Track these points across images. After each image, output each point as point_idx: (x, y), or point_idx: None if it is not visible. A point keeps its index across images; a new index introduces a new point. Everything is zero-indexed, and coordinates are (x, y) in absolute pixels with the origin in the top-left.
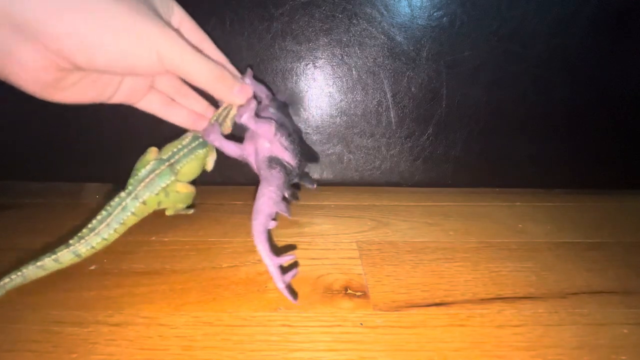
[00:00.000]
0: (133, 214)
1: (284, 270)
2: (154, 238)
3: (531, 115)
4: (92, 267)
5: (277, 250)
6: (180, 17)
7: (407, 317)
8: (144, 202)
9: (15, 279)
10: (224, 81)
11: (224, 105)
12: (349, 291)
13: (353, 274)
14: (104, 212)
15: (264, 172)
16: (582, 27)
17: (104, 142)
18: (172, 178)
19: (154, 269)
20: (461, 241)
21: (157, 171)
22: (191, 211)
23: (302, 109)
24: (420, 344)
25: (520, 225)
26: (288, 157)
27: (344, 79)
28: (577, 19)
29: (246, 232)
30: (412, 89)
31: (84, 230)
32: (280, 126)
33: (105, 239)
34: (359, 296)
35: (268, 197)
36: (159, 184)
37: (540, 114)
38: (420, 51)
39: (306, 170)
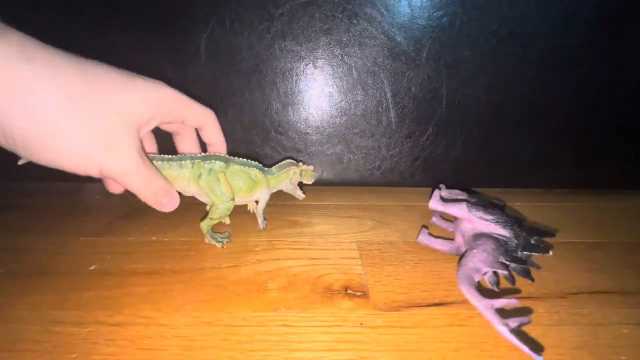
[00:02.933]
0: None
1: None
2: (154, 238)
3: (531, 115)
4: (92, 267)
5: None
6: (180, 111)
7: (407, 317)
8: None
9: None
10: (156, 198)
11: (292, 171)
12: (349, 291)
13: (353, 274)
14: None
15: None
16: (582, 27)
17: None
18: (223, 165)
19: (154, 269)
20: None
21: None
22: (227, 222)
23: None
24: (420, 344)
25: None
26: (496, 229)
27: (344, 79)
28: (577, 19)
29: (246, 232)
30: (412, 89)
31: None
32: (474, 203)
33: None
34: (359, 296)
35: (472, 256)
36: (213, 159)
37: (540, 114)
38: (420, 51)
39: (534, 242)
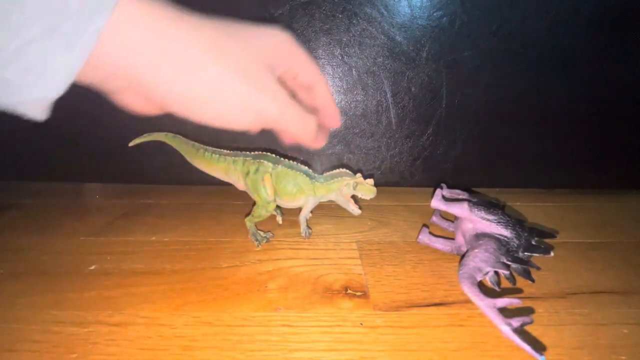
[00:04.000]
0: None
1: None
2: (154, 238)
3: (531, 115)
4: (92, 267)
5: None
6: (296, 63)
7: (407, 317)
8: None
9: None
10: (313, 134)
11: (345, 182)
12: (349, 291)
13: (353, 274)
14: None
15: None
16: (582, 27)
17: (104, 142)
18: (270, 166)
19: (154, 269)
20: None
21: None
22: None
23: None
24: (420, 344)
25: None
26: (497, 229)
27: (344, 79)
28: (577, 19)
29: (246, 232)
30: (412, 89)
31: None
32: (475, 204)
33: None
34: (359, 296)
35: (474, 255)
36: (263, 159)
37: (540, 114)
38: (420, 51)
39: (535, 242)
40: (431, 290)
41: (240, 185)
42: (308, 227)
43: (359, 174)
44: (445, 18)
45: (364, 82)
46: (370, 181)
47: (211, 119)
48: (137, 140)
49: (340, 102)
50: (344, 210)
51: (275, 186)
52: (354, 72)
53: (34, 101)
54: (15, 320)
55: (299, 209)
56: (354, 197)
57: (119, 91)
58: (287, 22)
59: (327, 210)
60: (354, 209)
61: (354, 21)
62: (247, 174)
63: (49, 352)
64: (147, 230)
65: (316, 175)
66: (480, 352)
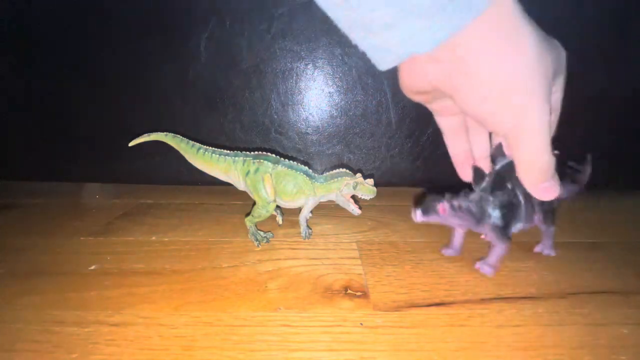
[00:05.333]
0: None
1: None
2: (154, 238)
3: None
4: (92, 267)
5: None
6: (558, 86)
7: (407, 317)
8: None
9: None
10: (540, 175)
11: (354, 180)
12: (349, 291)
13: (353, 274)
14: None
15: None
16: (582, 27)
17: (104, 142)
18: (270, 166)
19: (154, 269)
20: None
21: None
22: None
23: None
24: (420, 344)
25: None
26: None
27: (344, 79)
28: (577, 19)
29: (246, 232)
30: None
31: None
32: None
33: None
34: (359, 296)
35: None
36: (263, 159)
37: None
38: None
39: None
40: (431, 290)
41: (240, 185)
42: (308, 227)
43: (359, 174)
44: None
45: (364, 82)
46: (371, 181)
47: (480, 114)
48: (137, 140)
49: (340, 102)
50: (344, 210)
51: (275, 186)
52: (354, 72)
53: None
54: (15, 320)
55: (299, 209)
56: (354, 197)
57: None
58: (287, 22)
59: (327, 210)
60: (354, 209)
61: None
62: (247, 174)
63: (49, 352)
64: (147, 230)
65: (316, 175)
66: (480, 352)
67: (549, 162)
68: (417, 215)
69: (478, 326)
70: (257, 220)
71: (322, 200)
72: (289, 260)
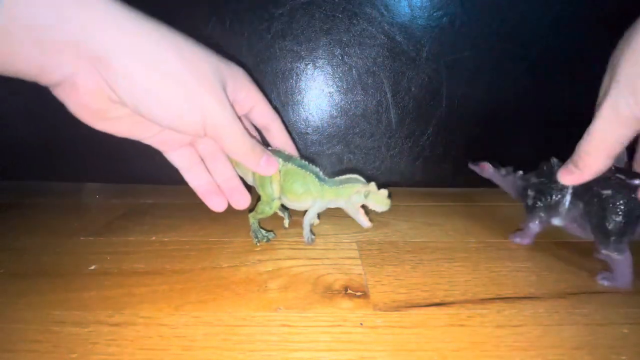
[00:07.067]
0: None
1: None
2: (154, 238)
3: (531, 115)
4: (92, 267)
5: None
6: (250, 98)
7: (407, 317)
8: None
9: None
10: (253, 154)
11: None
12: (349, 291)
13: (353, 274)
14: None
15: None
16: (582, 27)
17: (103, 142)
18: (281, 162)
19: (154, 269)
20: (461, 241)
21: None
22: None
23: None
24: (420, 344)
25: (520, 225)
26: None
27: (344, 79)
28: (577, 19)
29: (246, 232)
30: (412, 89)
31: None
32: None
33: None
34: (359, 296)
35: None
36: (275, 154)
37: (540, 114)
38: (420, 51)
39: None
40: (431, 290)
41: (248, 178)
42: (312, 232)
43: (372, 183)
44: (445, 18)
45: (364, 82)
46: (385, 192)
47: (159, 110)
48: None
49: (340, 102)
50: (344, 210)
51: (283, 183)
52: (354, 72)
53: None
54: (15, 320)
55: (298, 210)
56: (365, 208)
57: (69, 72)
58: (287, 22)
59: (327, 210)
60: (363, 221)
61: (354, 21)
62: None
63: (49, 352)
64: (147, 230)
65: (326, 178)
66: (480, 352)
67: (248, 140)
68: (469, 164)
69: (478, 326)
70: (259, 216)
71: (330, 206)
72: (289, 260)
